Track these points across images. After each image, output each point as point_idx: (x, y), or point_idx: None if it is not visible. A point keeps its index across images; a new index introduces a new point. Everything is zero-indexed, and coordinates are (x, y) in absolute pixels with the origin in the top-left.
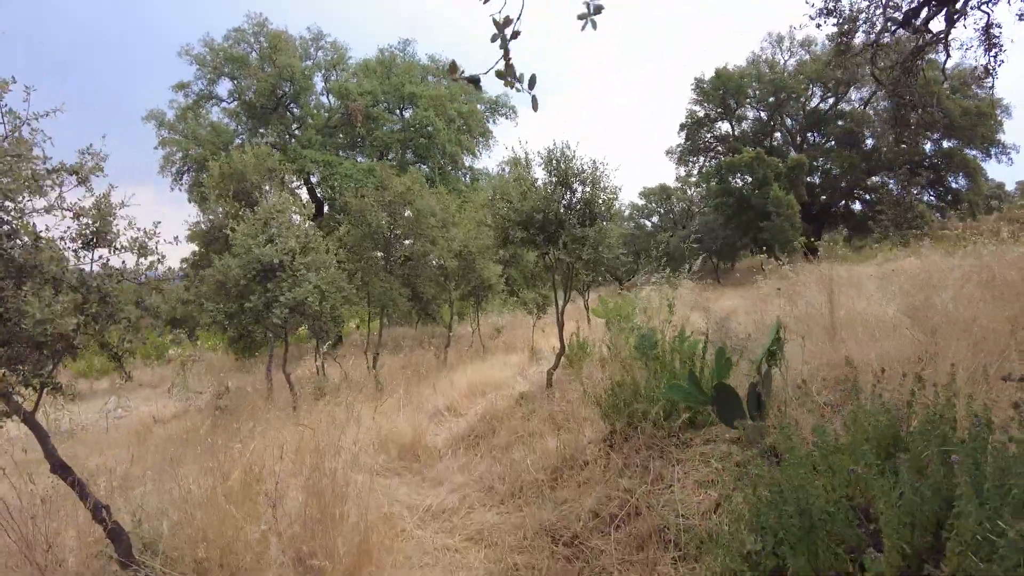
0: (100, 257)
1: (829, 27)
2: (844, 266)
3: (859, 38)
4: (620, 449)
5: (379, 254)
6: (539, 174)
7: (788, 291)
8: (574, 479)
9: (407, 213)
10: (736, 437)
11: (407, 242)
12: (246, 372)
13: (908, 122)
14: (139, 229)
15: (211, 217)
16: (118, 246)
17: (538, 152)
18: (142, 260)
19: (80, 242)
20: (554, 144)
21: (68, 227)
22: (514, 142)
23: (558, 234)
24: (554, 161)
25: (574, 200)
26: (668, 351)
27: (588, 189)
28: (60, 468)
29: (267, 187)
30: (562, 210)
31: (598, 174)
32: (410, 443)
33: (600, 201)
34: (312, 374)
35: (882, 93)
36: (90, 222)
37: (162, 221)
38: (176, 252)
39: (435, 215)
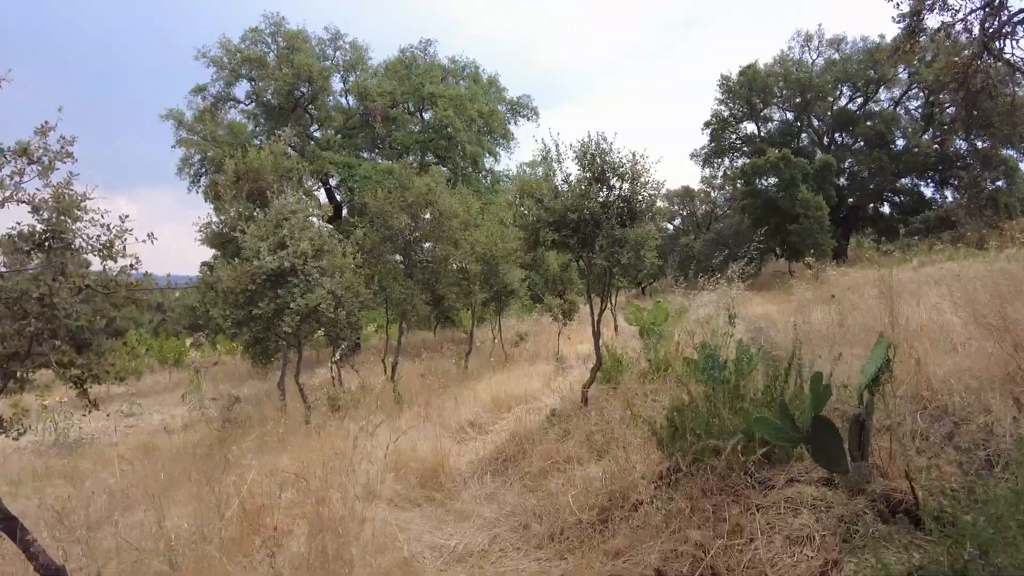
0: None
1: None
2: (876, 271)
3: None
4: (683, 488)
5: (398, 258)
6: (572, 169)
7: (826, 296)
8: (627, 523)
9: (427, 215)
10: (825, 477)
11: (427, 245)
12: (263, 379)
13: (976, 108)
14: (105, 227)
15: (223, 218)
16: (78, 247)
17: (570, 145)
18: (110, 264)
19: (32, 242)
20: (588, 136)
21: (16, 224)
22: (544, 135)
23: (594, 235)
24: (589, 154)
25: (612, 197)
26: (735, 371)
27: (627, 185)
28: (3, 522)
29: (284, 187)
30: (598, 209)
31: (639, 168)
32: (431, 467)
33: (640, 198)
34: (329, 382)
35: (915, 92)
36: (50, 216)
37: (131, 215)
38: (196, 255)
39: (458, 216)
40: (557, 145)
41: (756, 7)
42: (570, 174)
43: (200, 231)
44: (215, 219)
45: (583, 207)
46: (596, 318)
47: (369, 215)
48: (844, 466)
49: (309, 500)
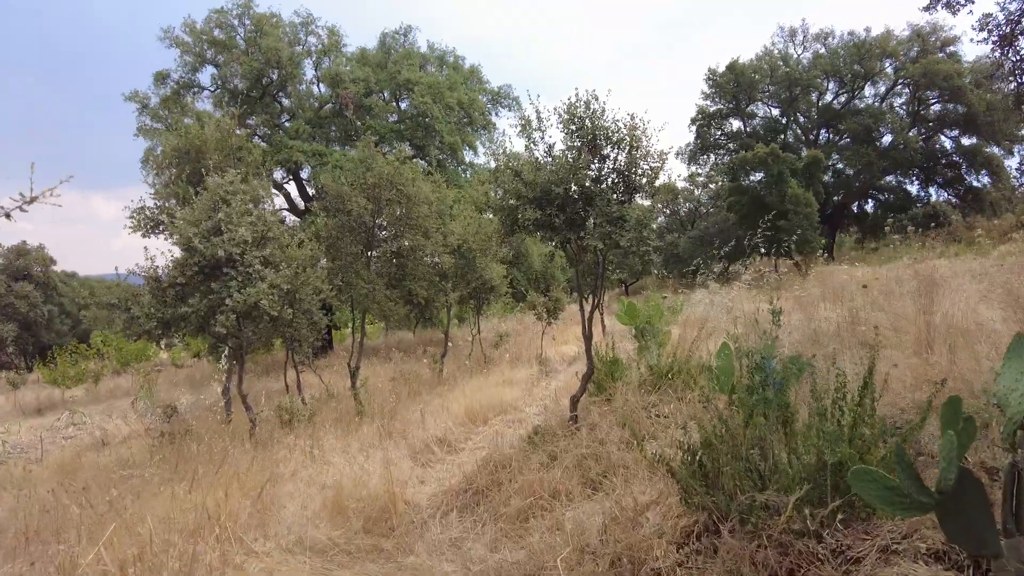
0: None
1: None
2: (867, 267)
3: None
4: (722, 559)
5: (360, 249)
6: (558, 137)
7: (822, 293)
8: None
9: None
10: (938, 549)
11: (393, 234)
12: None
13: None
14: None
15: (159, 202)
16: None
17: (555, 109)
18: None
19: None
20: (576, 96)
21: None
22: (526, 99)
23: (585, 214)
24: (577, 118)
25: (605, 170)
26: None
27: (624, 156)
28: None
29: (231, 168)
30: (588, 183)
31: (637, 134)
32: (383, 504)
33: (640, 171)
34: (291, 388)
35: (899, 88)
36: None
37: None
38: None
39: (429, 203)
40: (538, 112)
41: (756, 7)
42: (554, 143)
43: (132, 217)
44: (150, 203)
45: (570, 180)
46: (587, 317)
47: (324, 200)
48: (995, 546)
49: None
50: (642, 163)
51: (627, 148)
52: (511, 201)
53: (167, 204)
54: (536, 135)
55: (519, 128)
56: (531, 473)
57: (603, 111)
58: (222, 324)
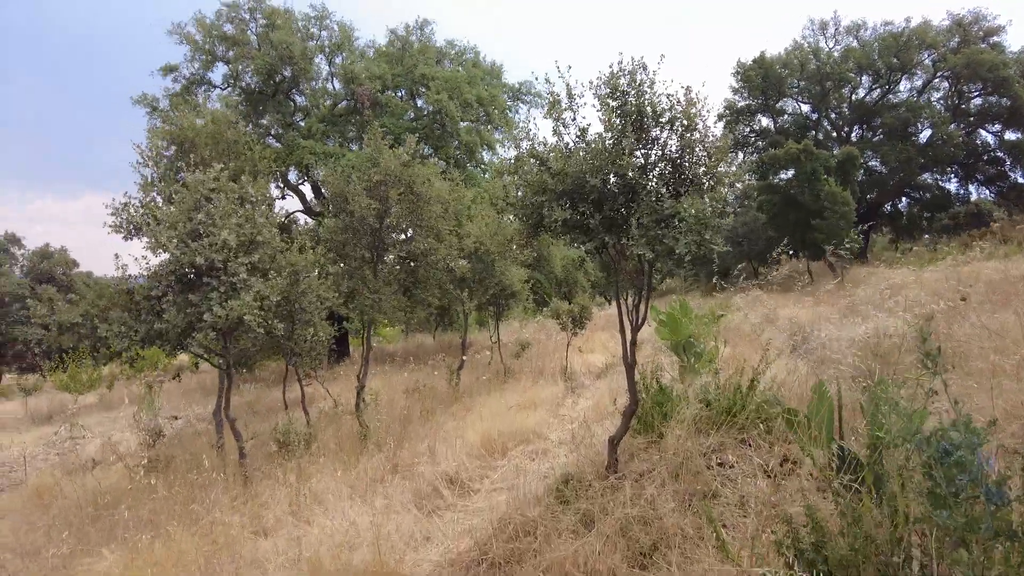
0: None
1: None
2: (909, 270)
3: None
4: None
5: (366, 253)
6: (593, 119)
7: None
8: None
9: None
10: None
11: (402, 238)
12: (236, 392)
13: None
14: None
15: (143, 199)
16: None
17: (590, 83)
18: None
19: None
20: (619, 65)
21: None
22: (552, 74)
23: (628, 211)
24: (619, 92)
25: (653, 157)
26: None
27: (676, 140)
28: None
29: (223, 164)
30: (632, 173)
31: (693, 112)
32: None
33: (695, 160)
34: (312, 399)
35: (937, 81)
36: None
37: None
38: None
39: (443, 203)
40: (569, 88)
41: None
42: (588, 126)
43: (113, 214)
44: (135, 199)
45: (611, 169)
46: (630, 339)
47: (327, 199)
48: None
49: None
50: (698, 148)
51: (680, 130)
52: (535, 197)
53: (153, 203)
54: (567, 116)
55: (546, 109)
56: (561, 543)
57: (652, 82)
58: (200, 343)
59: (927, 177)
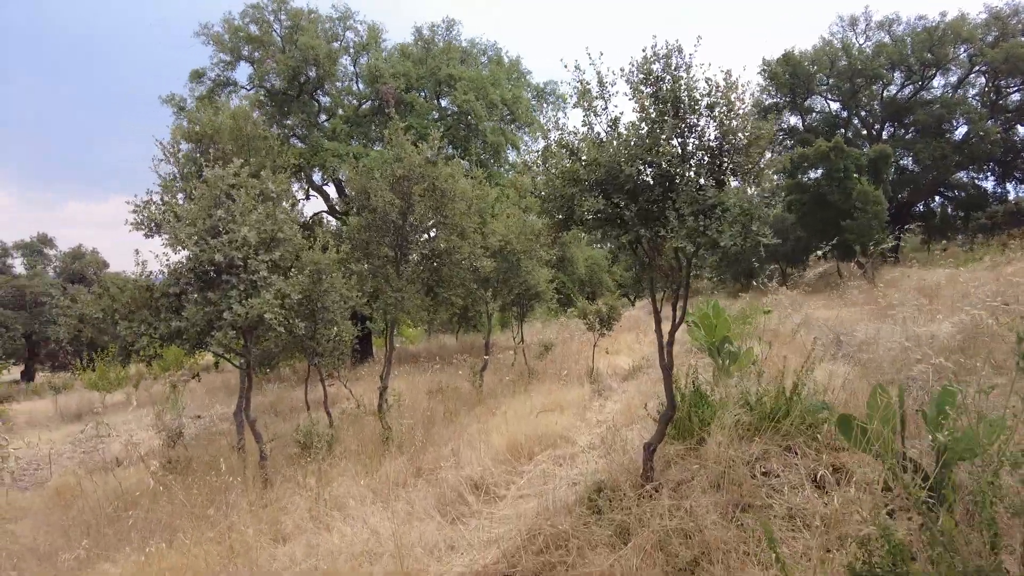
0: None
1: None
2: (944, 270)
3: None
4: None
5: (390, 252)
6: (626, 108)
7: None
8: None
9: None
10: None
11: (425, 237)
12: (257, 390)
13: None
14: None
15: (166, 197)
16: None
17: (621, 70)
18: None
19: None
20: (652, 49)
21: None
22: (583, 61)
23: (665, 202)
24: (653, 76)
25: (691, 145)
26: None
27: (716, 125)
28: None
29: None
30: (675, 160)
31: (733, 98)
32: None
33: (737, 146)
34: (340, 398)
35: (973, 76)
36: None
37: None
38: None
39: (467, 201)
40: (600, 75)
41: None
42: (620, 116)
43: (134, 211)
44: (158, 198)
45: (647, 159)
46: (667, 340)
47: (350, 198)
48: None
49: None
50: (739, 135)
51: (720, 116)
52: (566, 189)
53: (174, 200)
54: (598, 104)
55: (576, 98)
56: (596, 557)
57: (688, 66)
58: (219, 341)
59: (962, 175)
